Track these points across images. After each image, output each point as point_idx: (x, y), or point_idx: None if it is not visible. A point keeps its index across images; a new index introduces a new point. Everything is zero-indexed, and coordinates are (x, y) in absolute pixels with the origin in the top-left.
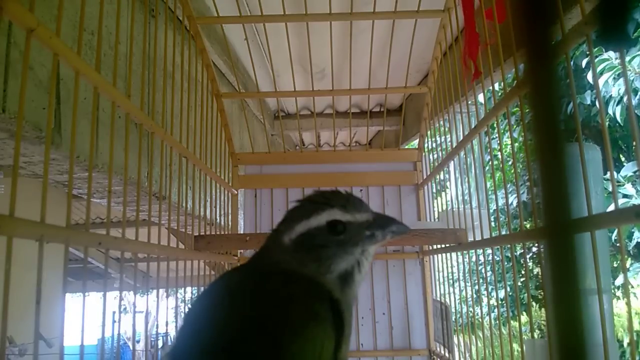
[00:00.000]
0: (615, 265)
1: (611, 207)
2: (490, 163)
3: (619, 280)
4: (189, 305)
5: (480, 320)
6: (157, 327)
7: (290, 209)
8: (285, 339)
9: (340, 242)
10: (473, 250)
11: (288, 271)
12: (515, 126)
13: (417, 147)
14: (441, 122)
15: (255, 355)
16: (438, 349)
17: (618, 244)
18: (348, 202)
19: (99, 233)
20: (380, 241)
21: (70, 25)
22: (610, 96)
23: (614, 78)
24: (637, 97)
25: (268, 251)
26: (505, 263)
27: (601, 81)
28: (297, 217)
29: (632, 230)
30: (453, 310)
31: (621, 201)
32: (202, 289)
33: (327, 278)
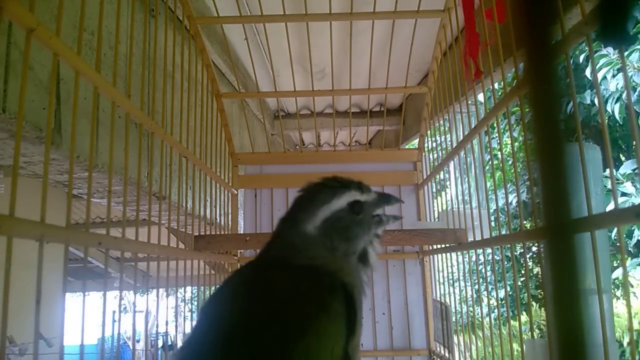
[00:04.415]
0: (615, 264)
1: (611, 206)
2: (490, 163)
3: (617, 273)
4: (204, 303)
5: (480, 320)
6: (157, 327)
7: (300, 197)
8: (298, 334)
9: (359, 222)
10: (473, 250)
11: (305, 265)
12: (515, 126)
13: (417, 147)
14: (441, 122)
15: (270, 351)
16: (438, 349)
17: (618, 244)
18: (360, 184)
19: (99, 233)
20: (385, 224)
21: (70, 25)
22: (610, 93)
23: (613, 75)
24: (636, 93)
25: (287, 244)
26: (505, 263)
27: (599, 76)
28: (316, 203)
29: (632, 228)
30: (453, 310)
31: (620, 199)
32: (202, 288)
33: (348, 261)
